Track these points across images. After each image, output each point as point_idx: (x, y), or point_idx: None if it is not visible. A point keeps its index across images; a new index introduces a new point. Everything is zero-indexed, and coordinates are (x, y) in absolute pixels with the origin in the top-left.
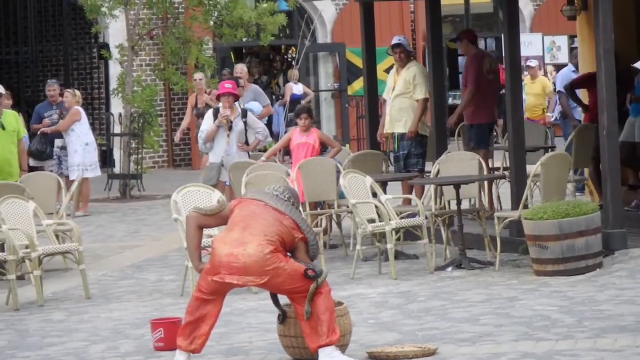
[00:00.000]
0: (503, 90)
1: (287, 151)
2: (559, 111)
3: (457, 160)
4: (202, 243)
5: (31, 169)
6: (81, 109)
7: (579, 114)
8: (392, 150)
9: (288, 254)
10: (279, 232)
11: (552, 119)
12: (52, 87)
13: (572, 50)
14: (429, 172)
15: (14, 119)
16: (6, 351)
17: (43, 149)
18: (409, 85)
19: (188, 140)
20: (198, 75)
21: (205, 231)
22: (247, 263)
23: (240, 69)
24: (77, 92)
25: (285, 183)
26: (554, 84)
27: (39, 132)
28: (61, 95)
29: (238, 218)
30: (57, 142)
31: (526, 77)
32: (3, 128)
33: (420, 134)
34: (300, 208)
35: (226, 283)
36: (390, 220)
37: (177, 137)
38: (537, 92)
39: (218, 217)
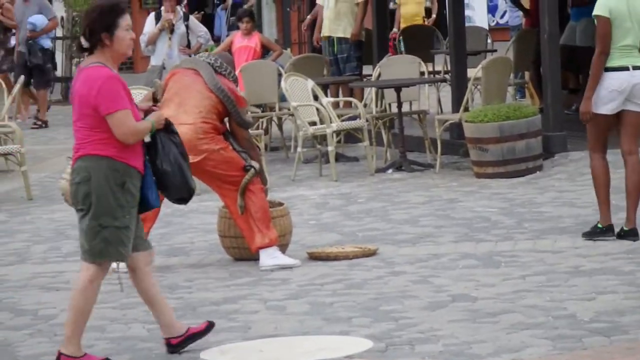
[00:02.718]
0: None
1: None
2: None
3: (398, 63)
4: None
5: None
6: None
7: (519, 19)
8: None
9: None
10: (213, 103)
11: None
12: None
13: None
14: (369, 75)
15: None
16: None
17: None
18: None
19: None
20: None
21: None
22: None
23: None
24: None
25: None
26: None
27: None
28: None
29: (172, 92)
30: None
31: None
32: None
33: (359, 38)
34: (236, 74)
35: None
36: (331, 122)
37: None
38: (416, 0)
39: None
